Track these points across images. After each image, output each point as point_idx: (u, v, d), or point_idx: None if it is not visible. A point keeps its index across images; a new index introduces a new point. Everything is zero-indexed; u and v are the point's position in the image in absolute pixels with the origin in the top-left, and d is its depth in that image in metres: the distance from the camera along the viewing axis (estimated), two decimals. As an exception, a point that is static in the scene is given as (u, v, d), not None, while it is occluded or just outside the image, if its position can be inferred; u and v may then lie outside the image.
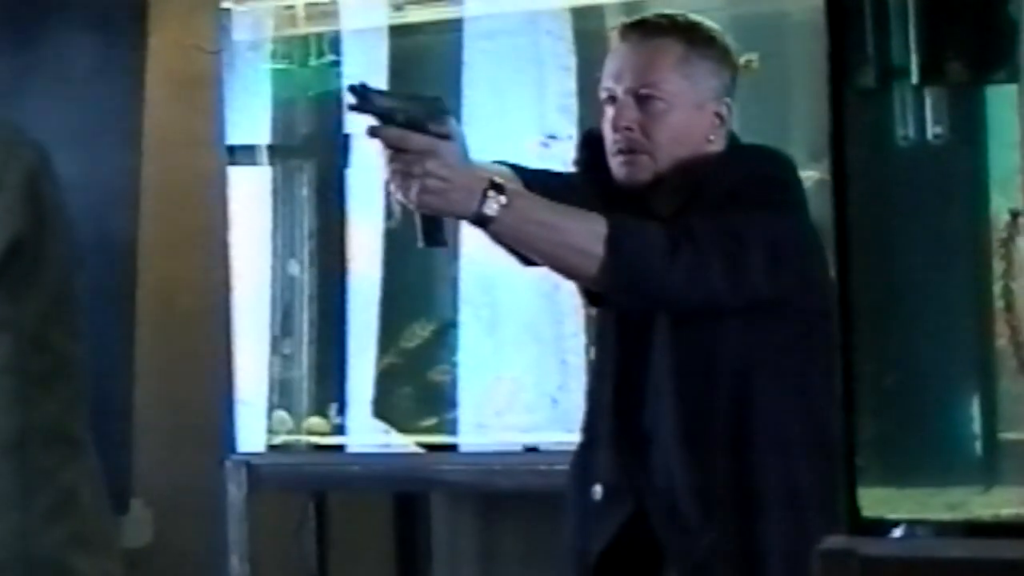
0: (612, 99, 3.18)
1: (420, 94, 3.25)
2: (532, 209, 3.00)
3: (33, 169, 1.51)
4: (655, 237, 3.05)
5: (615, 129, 3.16)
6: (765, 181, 3.24)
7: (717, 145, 3.21)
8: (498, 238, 2.97)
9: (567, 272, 3.19)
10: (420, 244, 3.05)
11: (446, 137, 2.92)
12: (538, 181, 3.19)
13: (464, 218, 2.92)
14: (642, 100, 3.14)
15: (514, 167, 3.22)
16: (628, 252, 3.00)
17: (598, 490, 3.20)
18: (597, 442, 3.25)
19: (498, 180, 2.94)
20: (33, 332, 1.48)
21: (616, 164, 3.18)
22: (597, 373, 3.39)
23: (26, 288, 1.48)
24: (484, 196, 2.89)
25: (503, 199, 2.91)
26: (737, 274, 3.05)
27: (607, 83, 3.22)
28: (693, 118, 3.23)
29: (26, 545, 1.50)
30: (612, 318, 3.30)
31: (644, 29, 3.27)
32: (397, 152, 2.84)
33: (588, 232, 3.00)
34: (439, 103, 3.07)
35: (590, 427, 3.32)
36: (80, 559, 1.53)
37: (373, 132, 2.90)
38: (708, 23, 3.33)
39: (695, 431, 3.18)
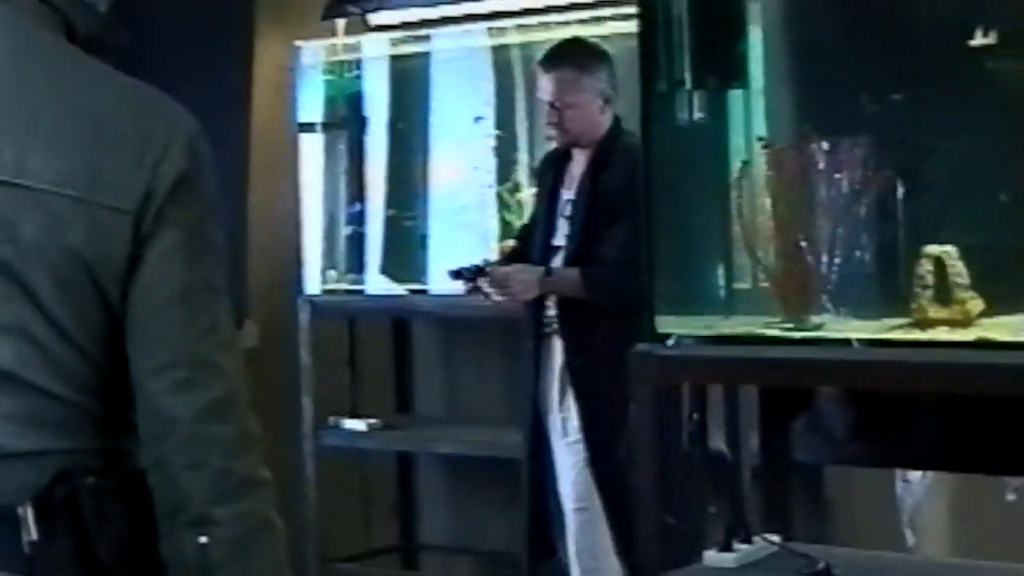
0: (544, 103, 4.33)
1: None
2: (560, 279, 4.21)
3: (192, 130, 1.67)
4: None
5: (548, 120, 4.32)
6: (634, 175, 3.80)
7: (607, 115, 4.26)
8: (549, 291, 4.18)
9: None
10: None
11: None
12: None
13: (532, 294, 4.20)
14: (560, 103, 4.27)
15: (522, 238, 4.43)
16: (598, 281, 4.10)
17: None
18: None
19: (543, 269, 4.21)
20: (194, 225, 1.66)
21: (553, 135, 4.37)
22: None
23: (188, 201, 1.65)
24: (539, 283, 4.18)
25: (550, 279, 4.20)
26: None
27: (540, 95, 4.37)
28: (587, 108, 4.27)
29: (189, 347, 1.64)
30: None
31: (551, 62, 4.33)
32: (496, 282, 4.19)
33: (577, 279, 4.12)
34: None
35: None
36: (225, 359, 1.66)
37: (485, 273, 4.23)
38: (593, 44, 4.38)
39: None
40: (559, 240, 4.31)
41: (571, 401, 4.24)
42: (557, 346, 4.28)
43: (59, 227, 1.60)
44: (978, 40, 3.03)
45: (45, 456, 1.62)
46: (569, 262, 4.24)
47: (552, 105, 4.23)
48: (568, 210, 4.29)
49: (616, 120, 4.26)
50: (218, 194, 1.72)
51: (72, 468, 1.62)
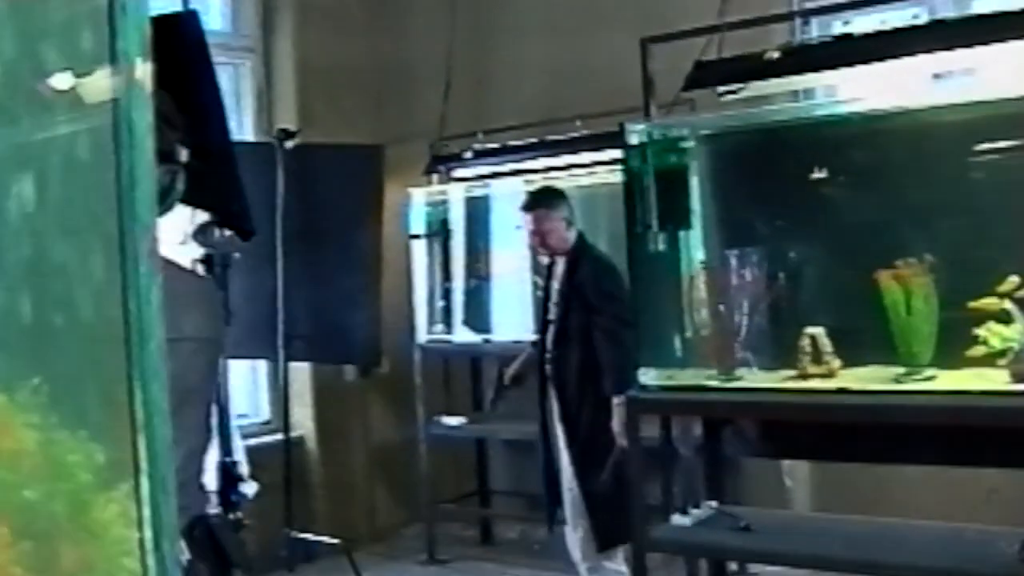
0: (528, 231, 4.00)
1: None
2: (616, 405, 3.65)
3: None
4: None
5: (531, 242, 4.00)
6: (603, 274, 3.83)
7: (572, 232, 3.89)
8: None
9: None
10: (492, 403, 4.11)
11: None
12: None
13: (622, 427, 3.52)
14: (539, 231, 3.97)
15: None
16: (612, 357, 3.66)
17: None
18: None
19: (617, 413, 3.62)
20: None
21: (538, 249, 4.04)
22: None
23: None
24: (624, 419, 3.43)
25: (620, 409, 3.52)
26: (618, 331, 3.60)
27: (525, 226, 4.00)
28: (558, 232, 3.92)
29: None
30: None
31: (529, 206, 3.98)
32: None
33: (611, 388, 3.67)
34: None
35: None
36: None
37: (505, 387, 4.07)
38: (554, 188, 3.98)
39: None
40: (552, 316, 3.96)
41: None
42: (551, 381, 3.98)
43: None
44: (818, 174, 2.96)
45: (188, 509, 1.60)
46: (556, 332, 3.89)
47: (534, 232, 3.94)
48: (555, 297, 3.95)
49: (580, 235, 3.91)
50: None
51: (201, 516, 1.63)
